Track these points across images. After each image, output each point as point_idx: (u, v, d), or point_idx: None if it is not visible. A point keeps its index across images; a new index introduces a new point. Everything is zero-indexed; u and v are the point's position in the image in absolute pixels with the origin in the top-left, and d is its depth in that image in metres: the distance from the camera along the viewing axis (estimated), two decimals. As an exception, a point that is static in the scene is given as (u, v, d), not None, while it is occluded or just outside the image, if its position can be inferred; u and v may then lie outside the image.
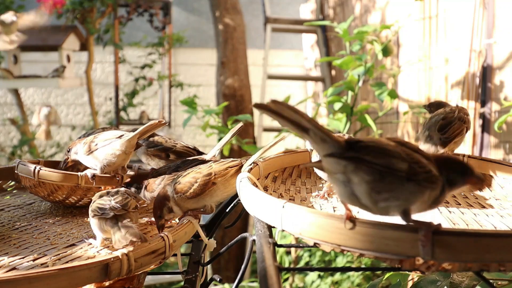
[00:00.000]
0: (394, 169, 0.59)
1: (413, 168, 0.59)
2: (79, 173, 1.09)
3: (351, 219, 0.61)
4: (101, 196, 0.88)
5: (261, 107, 0.60)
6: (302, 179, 1.09)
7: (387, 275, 1.14)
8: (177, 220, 1.00)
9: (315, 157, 1.01)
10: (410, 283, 1.13)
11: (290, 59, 5.41)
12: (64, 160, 1.21)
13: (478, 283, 0.96)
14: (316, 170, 1.04)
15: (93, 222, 0.85)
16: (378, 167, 0.59)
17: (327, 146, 0.62)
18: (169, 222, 1.00)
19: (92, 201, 0.88)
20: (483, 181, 0.63)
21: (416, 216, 0.61)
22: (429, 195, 0.60)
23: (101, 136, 1.10)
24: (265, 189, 0.96)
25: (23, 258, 0.82)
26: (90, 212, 0.86)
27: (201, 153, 1.28)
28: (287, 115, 0.60)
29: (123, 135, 1.08)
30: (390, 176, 0.59)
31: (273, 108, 0.60)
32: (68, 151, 1.16)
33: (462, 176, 0.62)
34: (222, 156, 3.11)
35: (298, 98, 4.28)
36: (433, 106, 1.18)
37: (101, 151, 1.08)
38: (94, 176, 1.09)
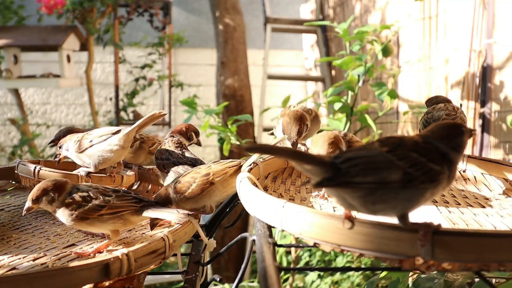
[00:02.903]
0: (386, 183, 0.58)
1: (409, 174, 0.58)
2: (79, 173, 1.10)
3: (350, 218, 0.61)
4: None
5: (252, 150, 0.64)
6: (302, 179, 1.09)
7: (385, 273, 1.14)
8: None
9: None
10: (409, 279, 1.13)
11: (290, 59, 5.40)
12: (55, 155, 1.19)
13: (471, 281, 0.96)
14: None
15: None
16: (369, 185, 0.58)
17: (313, 171, 0.61)
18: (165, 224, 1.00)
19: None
20: (471, 131, 0.66)
21: (418, 215, 0.61)
22: (432, 192, 0.60)
23: (95, 133, 1.09)
24: (265, 189, 0.96)
25: (23, 258, 0.82)
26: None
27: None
28: (271, 153, 0.64)
29: (120, 130, 1.07)
30: (382, 190, 0.58)
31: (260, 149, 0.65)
32: (60, 148, 1.15)
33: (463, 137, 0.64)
34: (222, 157, 3.11)
35: (298, 98, 4.28)
36: (429, 102, 1.25)
37: (96, 147, 1.06)
38: (88, 174, 1.08)
